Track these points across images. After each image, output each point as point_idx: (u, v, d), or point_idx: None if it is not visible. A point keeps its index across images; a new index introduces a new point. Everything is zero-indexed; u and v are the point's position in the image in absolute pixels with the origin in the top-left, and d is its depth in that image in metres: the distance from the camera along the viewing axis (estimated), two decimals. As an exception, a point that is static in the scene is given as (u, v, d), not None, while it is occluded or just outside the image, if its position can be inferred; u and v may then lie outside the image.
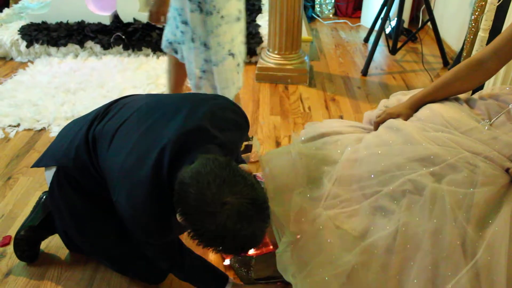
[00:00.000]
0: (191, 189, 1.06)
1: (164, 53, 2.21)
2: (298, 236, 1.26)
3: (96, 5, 3.64)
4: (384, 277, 1.14)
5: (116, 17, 3.62)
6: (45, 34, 3.43)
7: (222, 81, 1.95)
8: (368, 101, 2.87)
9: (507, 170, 1.20)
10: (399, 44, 3.37)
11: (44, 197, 1.76)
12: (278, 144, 2.39)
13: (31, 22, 3.59)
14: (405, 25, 4.02)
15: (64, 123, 2.55)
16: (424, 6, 3.86)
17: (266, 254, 1.63)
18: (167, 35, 2.05)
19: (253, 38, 3.35)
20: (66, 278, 1.64)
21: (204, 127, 1.30)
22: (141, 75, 3.11)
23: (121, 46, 3.43)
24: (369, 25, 4.09)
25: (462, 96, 1.48)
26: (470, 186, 1.15)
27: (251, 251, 1.64)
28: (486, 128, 1.29)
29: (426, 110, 1.41)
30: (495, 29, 2.30)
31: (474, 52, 2.49)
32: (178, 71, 2.19)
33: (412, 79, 3.21)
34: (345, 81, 3.15)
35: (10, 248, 1.73)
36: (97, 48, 3.44)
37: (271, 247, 1.67)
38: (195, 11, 1.81)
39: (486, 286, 1.05)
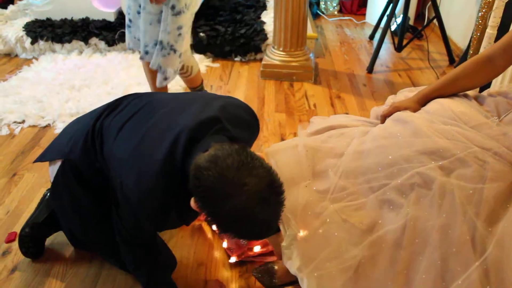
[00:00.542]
0: (209, 172, 1.04)
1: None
2: (304, 231, 1.24)
3: (101, 1, 3.63)
4: (392, 272, 1.12)
5: (120, 14, 3.61)
6: (49, 31, 3.42)
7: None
8: (374, 98, 2.85)
9: None
10: (404, 42, 3.35)
11: (48, 194, 1.76)
12: (283, 141, 2.38)
13: (36, 19, 3.58)
14: (411, 22, 4.00)
15: (69, 119, 2.55)
16: (430, 3, 3.84)
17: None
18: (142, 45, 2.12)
19: (258, 35, 3.33)
20: (71, 275, 1.64)
21: (219, 119, 1.30)
22: (146, 72, 3.10)
23: (125, 42, 3.42)
24: (374, 22, 4.07)
25: (470, 93, 1.47)
26: (479, 181, 1.14)
27: (257, 249, 1.64)
28: (495, 124, 1.28)
29: (435, 104, 1.39)
30: (504, 26, 2.28)
31: (482, 50, 2.47)
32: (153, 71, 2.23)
33: (418, 76, 3.19)
34: (350, 79, 3.13)
35: (15, 245, 1.73)
36: (102, 44, 3.43)
37: (277, 245, 1.66)
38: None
39: (496, 283, 1.04)
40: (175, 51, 2.06)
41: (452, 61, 3.41)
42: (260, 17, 3.61)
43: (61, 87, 2.90)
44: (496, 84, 2.40)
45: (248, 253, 1.63)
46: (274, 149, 1.48)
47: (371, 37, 3.88)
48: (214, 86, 3.00)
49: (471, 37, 3.01)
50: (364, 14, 4.38)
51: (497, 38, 2.36)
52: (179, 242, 1.76)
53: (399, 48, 3.36)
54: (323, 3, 4.45)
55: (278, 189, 1.08)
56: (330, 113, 2.67)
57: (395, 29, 3.71)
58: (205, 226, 1.83)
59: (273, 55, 3.08)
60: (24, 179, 2.12)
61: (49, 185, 1.98)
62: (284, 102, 2.79)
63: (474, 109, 1.34)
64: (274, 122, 2.56)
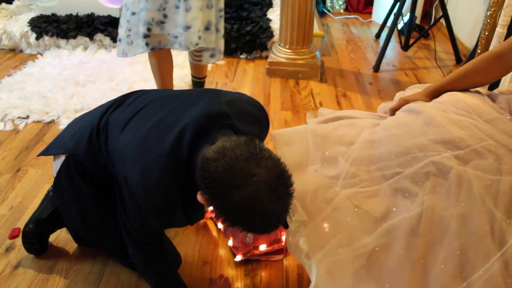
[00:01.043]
0: (217, 163, 1.03)
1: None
2: (314, 217, 1.21)
3: (106, -3, 3.62)
4: (408, 261, 1.09)
5: (126, 10, 3.59)
6: (54, 26, 3.41)
7: None
8: (380, 97, 2.83)
9: None
10: (411, 41, 3.32)
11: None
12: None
13: (41, 14, 3.57)
14: (417, 21, 3.97)
15: (74, 115, 2.54)
16: (437, 2, 3.81)
17: None
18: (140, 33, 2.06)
19: (264, 33, 3.31)
20: (75, 272, 1.62)
21: (226, 113, 1.29)
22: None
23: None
24: (380, 21, 4.05)
25: (481, 90, 1.44)
26: (496, 173, 1.11)
27: (263, 247, 1.62)
28: (509, 120, 1.25)
29: (447, 95, 1.36)
30: (513, 25, 2.25)
31: (491, 48, 2.44)
32: (165, 65, 2.22)
33: (424, 75, 3.16)
34: (357, 77, 3.11)
35: (19, 241, 1.72)
36: (107, 40, 3.42)
37: (283, 243, 1.64)
38: None
39: None
40: (220, 32, 2.18)
41: (459, 61, 3.38)
42: (266, 15, 3.59)
43: (66, 82, 2.89)
44: (505, 83, 2.37)
45: (254, 251, 1.61)
46: (280, 133, 1.44)
47: (377, 35, 3.85)
48: (219, 83, 2.98)
49: (479, 36, 2.98)
50: (370, 13, 4.35)
51: (507, 37, 2.34)
52: (184, 240, 1.74)
53: (405, 47, 3.34)
54: (329, 1, 4.42)
55: (287, 180, 1.06)
56: (336, 111, 2.65)
57: (402, 28, 3.69)
58: (210, 224, 1.81)
59: (279, 53, 3.06)
60: (28, 174, 2.11)
61: (53, 181, 1.97)
62: (290, 100, 2.77)
63: (487, 103, 1.32)
64: (280, 120, 2.54)
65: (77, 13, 3.56)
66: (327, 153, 1.31)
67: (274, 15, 3.59)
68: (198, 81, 2.47)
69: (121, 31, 2.12)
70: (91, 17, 3.51)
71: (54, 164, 1.53)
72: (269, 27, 3.36)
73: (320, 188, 1.24)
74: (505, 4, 2.15)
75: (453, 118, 1.26)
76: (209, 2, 2.04)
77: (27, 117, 2.58)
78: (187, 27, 2.00)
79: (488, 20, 2.87)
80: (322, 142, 1.34)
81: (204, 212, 1.46)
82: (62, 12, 3.57)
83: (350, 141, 1.33)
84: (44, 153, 1.55)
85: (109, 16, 3.52)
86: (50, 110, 2.61)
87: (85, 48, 3.43)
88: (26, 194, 1.98)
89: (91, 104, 2.62)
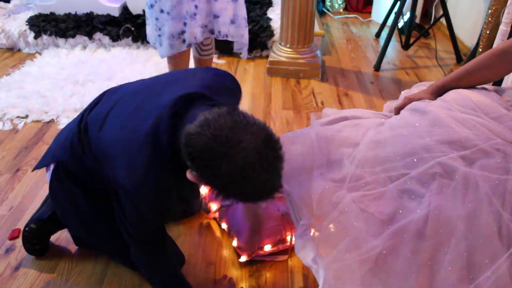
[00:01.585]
0: (202, 136, 1.01)
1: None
2: (320, 221, 1.20)
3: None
4: (416, 263, 1.08)
5: (125, 9, 3.57)
6: (53, 25, 3.38)
7: None
8: (382, 96, 2.81)
9: None
10: (411, 40, 3.31)
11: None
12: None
13: (39, 13, 3.55)
14: (417, 20, 3.96)
15: (73, 114, 2.52)
16: (437, 1, 3.80)
17: None
18: (169, 33, 2.02)
19: (264, 32, 3.30)
20: (77, 273, 1.60)
21: (202, 92, 1.27)
22: (150, 68, 3.06)
23: (130, 38, 3.39)
24: (379, 20, 4.04)
25: (488, 86, 1.43)
26: (503, 173, 1.10)
27: (268, 248, 1.60)
28: None
29: (452, 93, 1.35)
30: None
31: (494, 46, 2.43)
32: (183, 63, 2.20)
33: (425, 74, 3.15)
34: (358, 76, 3.09)
35: (19, 242, 1.69)
36: (106, 40, 3.39)
37: (288, 243, 1.63)
38: None
39: None
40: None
41: (459, 60, 3.37)
42: (266, 14, 3.57)
43: (65, 82, 2.86)
44: (508, 81, 2.36)
45: (259, 252, 1.59)
46: (284, 137, 1.43)
47: (378, 35, 3.84)
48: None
49: (480, 35, 2.97)
50: (370, 12, 4.34)
51: (510, 35, 2.33)
52: (187, 241, 1.72)
53: (406, 46, 3.33)
54: (328, 0, 4.41)
55: (276, 144, 1.04)
56: (338, 110, 2.63)
57: (402, 27, 3.68)
58: (213, 224, 1.79)
59: (280, 52, 3.04)
60: (28, 174, 2.08)
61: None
62: (291, 99, 2.75)
63: (493, 100, 1.30)
64: (282, 119, 2.53)
65: (75, 12, 3.54)
66: (332, 155, 1.30)
67: (274, 14, 3.57)
68: None
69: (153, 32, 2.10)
70: (90, 16, 3.48)
71: (47, 175, 1.53)
72: (270, 26, 3.34)
73: (326, 192, 1.23)
74: (509, 2, 2.14)
75: (459, 116, 1.25)
76: None
77: (26, 116, 2.55)
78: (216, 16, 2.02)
79: (489, 19, 2.86)
80: (327, 145, 1.32)
81: (199, 192, 1.43)
82: (60, 11, 3.55)
83: (355, 142, 1.31)
84: (38, 167, 1.55)
85: (108, 15, 3.49)
86: (49, 110, 2.58)
87: (84, 47, 3.40)
88: (26, 194, 1.96)
89: (90, 103, 2.60)
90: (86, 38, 3.39)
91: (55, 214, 1.65)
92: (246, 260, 1.61)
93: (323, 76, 3.06)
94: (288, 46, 3.00)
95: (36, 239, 1.65)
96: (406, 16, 3.43)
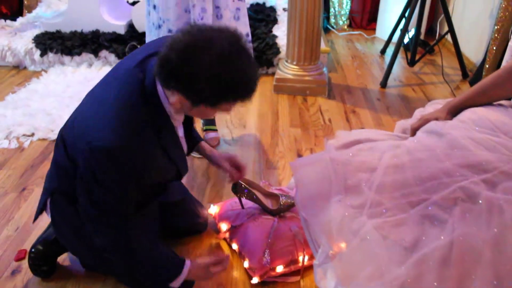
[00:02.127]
0: (174, 51, 1.10)
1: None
2: (340, 249, 1.17)
3: (111, 14, 3.61)
4: None
5: (131, 26, 3.58)
6: (59, 43, 3.39)
7: None
8: (389, 113, 2.80)
9: None
10: (417, 56, 3.31)
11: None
12: (300, 157, 2.32)
13: (46, 31, 3.56)
14: (421, 36, 3.96)
15: (80, 133, 2.50)
16: (441, 17, 3.81)
17: None
18: None
19: (270, 49, 3.30)
20: (84, 295, 1.57)
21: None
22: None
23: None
24: (384, 37, 4.05)
25: (505, 102, 1.41)
26: None
27: (280, 269, 1.57)
28: None
29: (469, 113, 1.33)
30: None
31: (504, 63, 2.43)
32: None
33: (432, 91, 3.14)
34: (364, 93, 3.08)
35: (25, 263, 1.66)
36: (112, 57, 3.40)
37: (300, 264, 1.59)
38: None
39: None
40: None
41: (465, 76, 3.36)
42: (271, 31, 3.58)
43: (70, 99, 2.85)
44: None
45: (271, 273, 1.56)
46: (299, 162, 1.41)
47: (383, 51, 3.84)
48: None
49: (487, 51, 2.98)
50: (374, 29, 4.35)
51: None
52: (197, 261, 1.68)
53: (411, 62, 3.32)
54: (333, 17, 4.43)
55: (244, 41, 1.17)
56: (346, 128, 2.61)
57: (407, 44, 3.68)
58: (223, 244, 1.76)
59: (287, 69, 3.04)
60: (34, 194, 2.06)
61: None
62: (299, 117, 2.73)
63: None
64: (290, 137, 2.51)
65: (81, 30, 3.55)
66: (349, 181, 1.27)
67: (279, 31, 3.58)
68: None
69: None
70: (96, 34, 3.49)
71: (48, 215, 1.53)
72: (275, 44, 3.34)
73: (346, 219, 1.20)
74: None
75: (477, 138, 1.22)
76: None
77: (32, 134, 2.53)
78: None
79: (496, 35, 2.86)
80: (343, 170, 1.30)
81: (184, 153, 1.48)
82: (67, 29, 3.56)
83: (372, 166, 1.29)
84: (37, 214, 1.57)
85: (114, 33, 3.50)
86: (55, 128, 2.57)
87: (90, 65, 3.40)
88: (32, 214, 1.92)
89: (97, 121, 2.58)
90: (92, 55, 3.39)
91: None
92: (258, 282, 1.57)
93: (330, 93, 3.05)
94: (294, 63, 3.00)
95: (42, 260, 1.62)
96: (411, 33, 3.43)
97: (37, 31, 3.61)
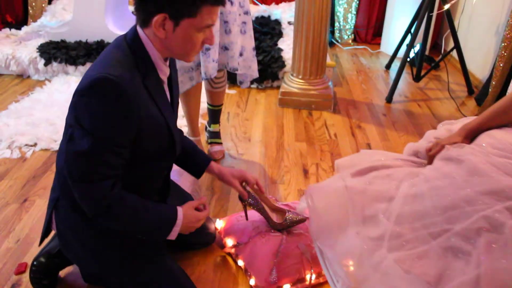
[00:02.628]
0: None
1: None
2: (361, 284, 1.13)
3: (116, 24, 3.60)
4: None
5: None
6: (63, 53, 3.38)
7: None
8: (395, 129, 2.78)
9: None
10: (422, 72, 3.30)
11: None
12: (306, 172, 2.29)
13: (50, 40, 3.55)
14: (426, 52, 3.96)
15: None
16: (446, 33, 3.81)
17: None
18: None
19: (275, 62, 3.28)
20: (86, 311, 1.53)
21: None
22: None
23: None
24: (388, 52, 4.05)
25: None
26: None
27: (287, 287, 1.53)
28: None
29: (487, 137, 1.30)
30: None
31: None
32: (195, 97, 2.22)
33: (437, 107, 3.12)
34: (370, 108, 3.06)
35: (25, 276, 1.62)
36: (116, 68, 3.37)
37: (307, 283, 1.56)
38: None
39: None
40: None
41: (471, 92, 3.35)
42: (277, 44, 3.57)
43: (74, 110, 2.83)
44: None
45: (277, 292, 1.52)
46: (314, 190, 1.37)
47: (388, 66, 3.83)
48: (231, 113, 2.93)
49: (493, 67, 2.96)
50: (379, 44, 4.36)
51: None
52: (202, 278, 1.65)
53: (417, 78, 3.31)
54: (337, 31, 4.43)
55: None
56: (352, 143, 2.59)
57: (412, 58, 3.67)
58: (229, 260, 1.72)
59: (292, 83, 3.02)
60: (36, 205, 2.02)
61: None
62: (304, 131, 2.71)
63: None
64: (295, 151, 2.48)
65: (86, 39, 3.54)
66: (366, 211, 1.24)
67: (284, 44, 3.57)
68: (215, 109, 2.41)
69: None
70: (100, 44, 3.48)
71: (55, 229, 1.51)
72: (281, 57, 3.33)
73: (365, 252, 1.16)
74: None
75: (497, 162, 1.18)
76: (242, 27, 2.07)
77: (35, 144, 2.51)
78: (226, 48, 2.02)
79: (503, 52, 2.85)
80: (360, 200, 1.27)
81: (173, 108, 1.48)
82: (71, 38, 3.55)
83: (389, 196, 1.25)
84: (44, 234, 1.54)
85: (118, 43, 3.49)
86: (58, 138, 2.54)
87: (94, 75, 3.38)
88: (33, 226, 1.89)
89: (101, 132, 2.56)
90: (96, 66, 3.37)
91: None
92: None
93: (335, 107, 3.03)
94: (300, 77, 2.98)
95: (44, 274, 1.58)
96: (416, 48, 3.43)
97: (41, 40, 3.61)
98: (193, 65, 2.04)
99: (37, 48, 3.44)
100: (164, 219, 1.41)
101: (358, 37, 4.49)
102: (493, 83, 2.92)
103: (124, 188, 1.32)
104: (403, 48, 3.58)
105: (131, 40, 1.29)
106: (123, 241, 1.44)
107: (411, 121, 2.89)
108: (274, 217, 1.71)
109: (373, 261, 1.13)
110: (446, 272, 1.06)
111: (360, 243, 1.18)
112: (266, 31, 3.82)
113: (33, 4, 4.36)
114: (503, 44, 2.84)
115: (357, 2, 4.35)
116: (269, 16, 4.19)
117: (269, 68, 3.27)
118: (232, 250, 1.70)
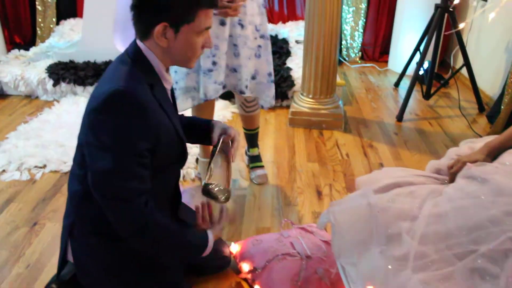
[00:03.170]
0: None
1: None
2: None
3: (124, 44, 3.60)
4: None
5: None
6: (72, 73, 3.38)
7: None
8: (407, 147, 2.74)
9: None
10: (432, 89, 3.28)
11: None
12: (319, 193, 2.25)
13: (59, 61, 3.55)
14: (435, 69, 3.94)
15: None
16: (455, 50, 3.79)
17: None
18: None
19: (284, 82, 3.27)
20: None
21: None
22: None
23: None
24: (396, 69, 4.03)
25: None
26: None
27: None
28: None
29: (510, 155, 1.27)
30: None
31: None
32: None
33: (448, 125, 3.09)
34: (381, 127, 3.03)
35: (36, 304, 1.59)
36: (124, 88, 3.37)
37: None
38: None
39: None
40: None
41: (482, 109, 3.32)
42: (285, 63, 3.56)
43: (83, 131, 2.81)
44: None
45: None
46: (337, 207, 1.34)
47: (396, 84, 3.81)
48: (241, 134, 2.90)
49: (505, 84, 2.94)
50: (386, 61, 4.34)
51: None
52: (217, 305, 1.61)
53: (427, 95, 3.29)
54: (345, 50, 4.43)
55: None
56: (364, 163, 2.55)
57: (421, 76, 3.65)
58: (245, 285, 1.68)
59: (302, 103, 3.00)
60: (46, 229, 1.99)
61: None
62: (316, 151, 2.68)
63: None
64: (308, 172, 2.45)
65: (95, 60, 3.54)
66: (390, 230, 1.21)
67: (293, 64, 3.56)
68: (251, 133, 2.37)
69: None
70: (109, 65, 3.47)
71: (72, 259, 1.48)
72: (290, 76, 3.32)
73: (389, 272, 1.13)
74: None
75: None
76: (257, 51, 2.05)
77: (44, 166, 2.48)
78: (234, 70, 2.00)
79: (515, 69, 2.83)
80: (384, 218, 1.24)
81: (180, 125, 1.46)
82: (80, 59, 3.55)
83: (413, 215, 1.22)
84: (60, 265, 1.53)
85: (127, 63, 3.49)
86: (68, 160, 2.52)
87: (103, 95, 3.37)
88: (44, 250, 1.86)
89: (110, 153, 2.54)
90: (105, 86, 3.37)
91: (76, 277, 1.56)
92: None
93: (346, 126, 3.00)
94: (310, 96, 2.96)
95: (55, 301, 1.54)
96: (425, 65, 3.41)
97: (50, 61, 3.61)
98: (196, 85, 2.03)
99: (46, 69, 3.44)
100: (195, 243, 1.42)
101: (365, 55, 4.48)
102: (505, 100, 2.89)
103: None
104: (412, 65, 3.57)
105: (133, 54, 1.32)
106: (144, 266, 1.42)
107: (423, 140, 2.86)
108: (224, 176, 1.58)
109: (398, 281, 1.11)
110: None
111: (384, 263, 1.15)
112: (274, 50, 3.82)
113: (41, 25, 4.39)
114: (514, 61, 2.83)
115: (364, 20, 4.35)
116: (276, 35, 4.19)
117: (279, 88, 3.25)
118: (249, 276, 1.66)
